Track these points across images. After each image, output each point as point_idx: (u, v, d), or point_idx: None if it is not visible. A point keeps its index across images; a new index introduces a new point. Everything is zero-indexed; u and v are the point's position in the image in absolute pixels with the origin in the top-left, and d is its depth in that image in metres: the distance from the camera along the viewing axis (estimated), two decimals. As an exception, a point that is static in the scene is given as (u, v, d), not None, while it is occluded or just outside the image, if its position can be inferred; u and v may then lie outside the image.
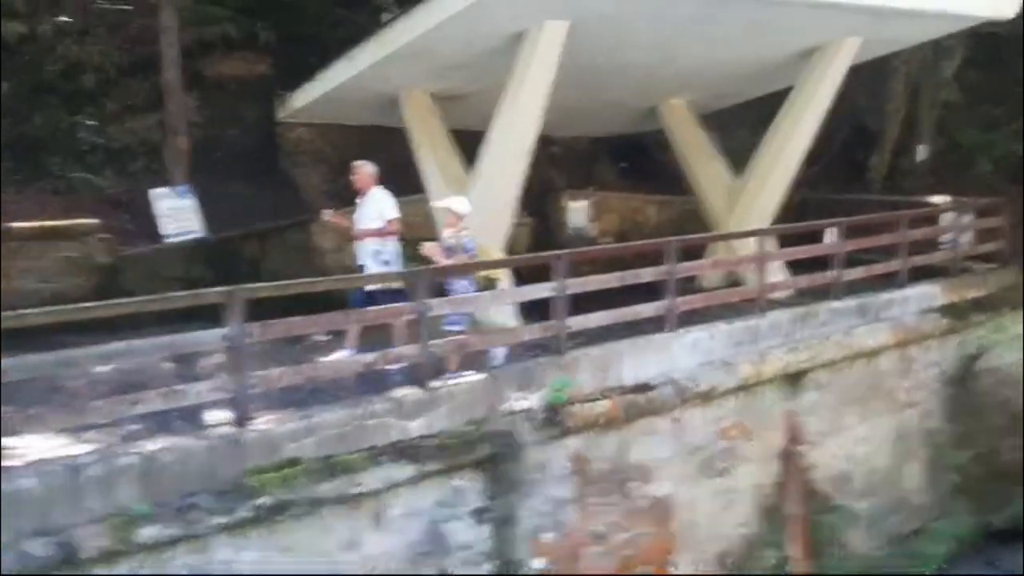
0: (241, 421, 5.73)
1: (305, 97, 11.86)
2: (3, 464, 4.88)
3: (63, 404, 5.37)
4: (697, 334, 8.36)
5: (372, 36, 10.18)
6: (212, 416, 6.03)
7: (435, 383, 6.65)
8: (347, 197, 12.85)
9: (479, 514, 6.76)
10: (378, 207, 8.11)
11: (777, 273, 10.67)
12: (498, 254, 10.19)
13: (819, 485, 9.42)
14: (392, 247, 8.05)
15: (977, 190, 14.26)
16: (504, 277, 8.12)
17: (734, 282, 11.21)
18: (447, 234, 7.64)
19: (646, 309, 8.08)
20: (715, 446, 8.45)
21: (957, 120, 17.06)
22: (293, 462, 5.84)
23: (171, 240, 10.65)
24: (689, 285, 9.78)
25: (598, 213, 14.01)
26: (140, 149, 11.99)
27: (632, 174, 15.69)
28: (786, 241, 10.38)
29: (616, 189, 14.98)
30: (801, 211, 13.65)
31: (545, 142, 14.36)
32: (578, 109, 12.73)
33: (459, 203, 7.79)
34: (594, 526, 7.49)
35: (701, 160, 12.78)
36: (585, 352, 7.60)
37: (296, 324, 6.03)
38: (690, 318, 8.59)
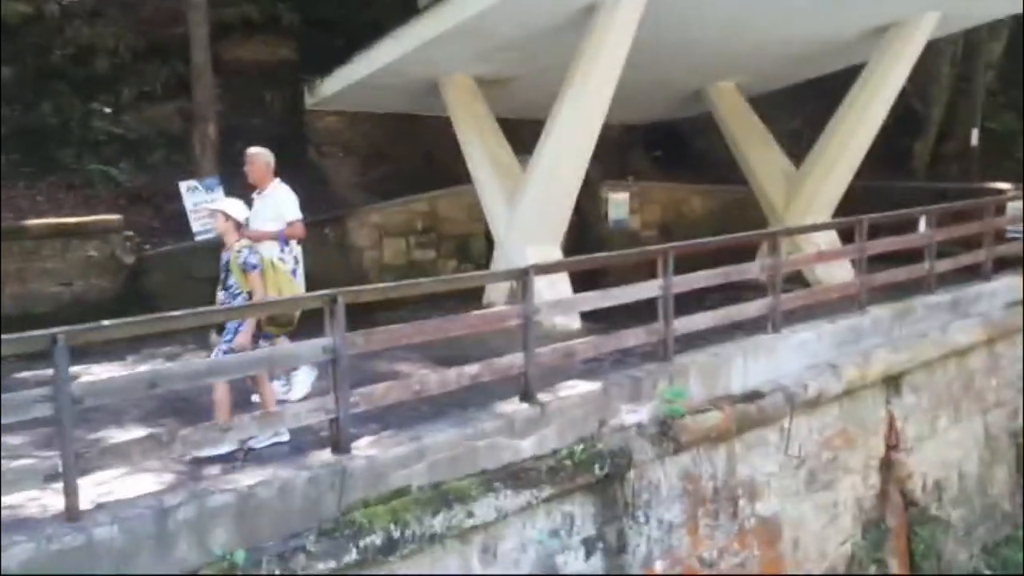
0: (343, 446, 4.91)
1: (338, 83, 10.98)
2: (76, 508, 4.03)
3: (147, 433, 4.50)
4: (804, 335, 7.63)
5: (422, 14, 9.33)
6: (306, 439, 5.24)
7: (544, 396, 5.87)
8: (381, 190, 12.10)
9: (590, 543, 6.00)
10: (276, 206, 6.44)
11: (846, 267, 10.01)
12: (556, 253, 9.43)
13: (916, 495, 8.75)
14: (293, 254, 6.54)
15: (1015, 177, 13.70)
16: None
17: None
18: (237, 247, 5.48)
19: (751, 308, 7.33)
20: (820, 457, 7.74)
21: (992, 105, 16.53)
22: (401, 492, 5.04)
23: (201, 237, 9.74)
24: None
25: (639, 205, 13.27)
26: (159, 139, 11.07)
27: (667, 163, 14.95)
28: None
29: (651, 179, 14.24)
30: (848, 200, 12.99)
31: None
32: (617, 93, 11.99)
33: (234, 206, 5.65)
34: (705, 551, 6.75)
35: (755, 147, 12.05)
36: (693, 358, 6.84)
37: (400, 332, 5.20)
38: (787, 318, 7.85)
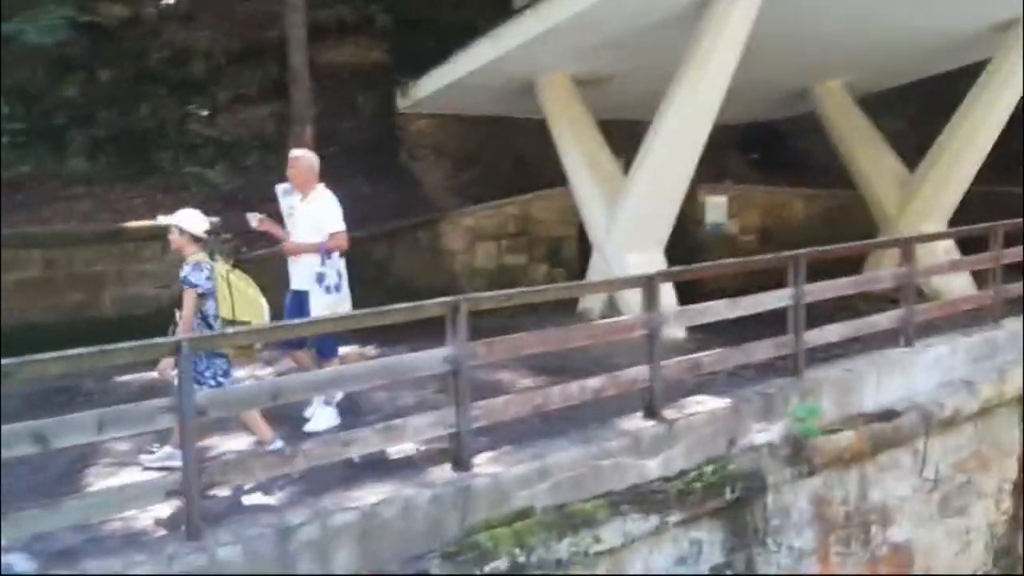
0: (464, 463, 4.62)
1: (431, 84, 10.74)
2: (197, 526, 3.81)
3: (269, 449, 4.26)
4: (938, 349, 7.10)
5: (523, 12, 9.02)
6: (421, 455, 4.96)
7: (669, 412, 5.48)
8: (472, 194, 11.85)
9: (718, 571, 5.59)
10: (318, 215, 5.86)
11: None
12: (658, 260, 9.03)
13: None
14: (336, 268, 5.87)
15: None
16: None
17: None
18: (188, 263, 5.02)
19: (882, 320, 6.82)
20: (954, 480, 7.18)
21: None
22: (525, 513, 4.72)
23: (297, 241, 9.58)
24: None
25: (738, 209, 12.74)
26: (253, 142, 11.00)
27: (764, 165, 14.37)
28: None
29: (748, 182, 13.68)
30: (964, 206, 12.27)
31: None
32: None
33: (189, 219, 5.13)
34: (835, 581, 6.28)
35: (865, 149, 11.45)
36: (825, 373, 6.37)
37: (522, 342, 4.89)
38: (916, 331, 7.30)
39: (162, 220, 5.43)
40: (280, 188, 9.85)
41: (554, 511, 4.81)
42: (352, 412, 5.83)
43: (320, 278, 5.74)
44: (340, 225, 5.92)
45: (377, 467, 4.79)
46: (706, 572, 5.52)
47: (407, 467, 4.87)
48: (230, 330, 3.84)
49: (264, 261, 9.57)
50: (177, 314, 4.99)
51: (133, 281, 8.82)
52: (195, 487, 3.78)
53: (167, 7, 11.38)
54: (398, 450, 4.97)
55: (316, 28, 11.52)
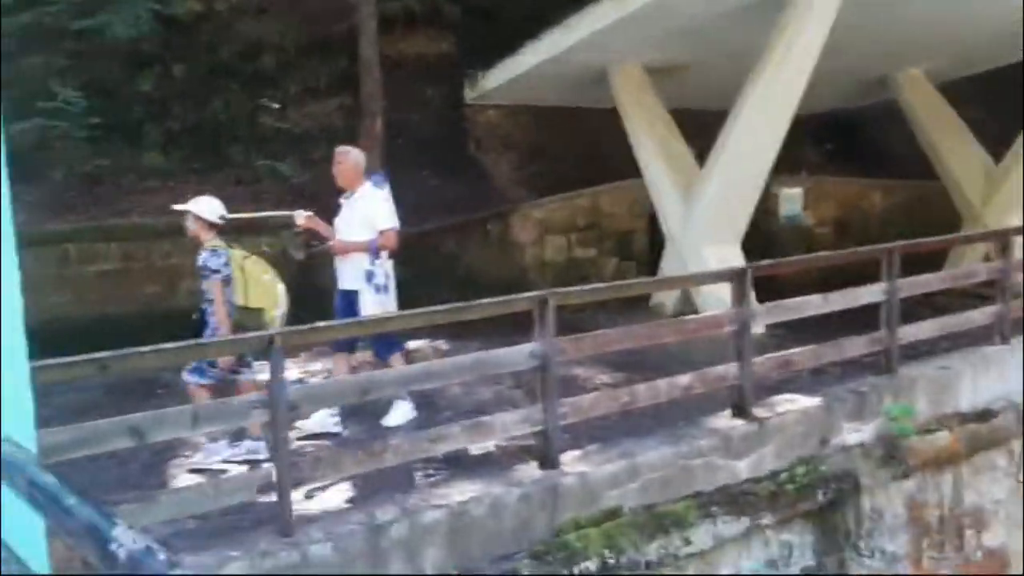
0: (552, 461, 4.51)
1: (501, 75, 10.65)
2: (289, 522, 3.76)
3: (358, 444, 4.21)
4: (1035, 347, 6.76)
5: (598, 1, 8.86)
6: (501, 452, 4.87)
7: (759, 411, 5.30)
8: (540, 186, 11.73)
9: (809, 575, 5.40)
10: (367, 212, 5.70)
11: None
12: (735, 254, 8.80)
13: None
14: (384, 268, 5.62)
15: None
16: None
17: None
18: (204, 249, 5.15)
19: (976, 316, 6.53)
20: (1051, 484, 6.84)
21: None
22: (613, 513, 4.60)
23: (368, 234, 9.57)
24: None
25: (813, 200, 12.40)
26: (322, 135, 11.01)
27: (839, 156, 13.97)
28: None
29: (823, 173, 13.31)
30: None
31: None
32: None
33: (204, 206, 5.25)
34: (928, 587, 6.03)
35: (949, 139, 11.06)
36: (920, 371, 6.11)
37: (610, 338, 4.76)
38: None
39: (177, 207, 5.46)
40: (355, 182, 9.93)
41: (643, 512, 4.68)
42: (429, 407, 5.78)
43: (369, 276, 5.52)
44: (391, 222, 5.74)
45: (458, 464, 4.71)
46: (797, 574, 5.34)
47: (488, 464, 4.78)
48: (321, 324, 3.78)
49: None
50: (205, 306, 5.02)
51: (208, 273, 8.88)
52: (287, 482, 3.73)
53: (240, 1, 11.45)
54: (479, 447, 4.87)
55: (384, 20, 11.47)
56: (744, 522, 4.93)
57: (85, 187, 9.77)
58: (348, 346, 5.58)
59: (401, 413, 5.40)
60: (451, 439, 4.24)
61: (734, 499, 4.99)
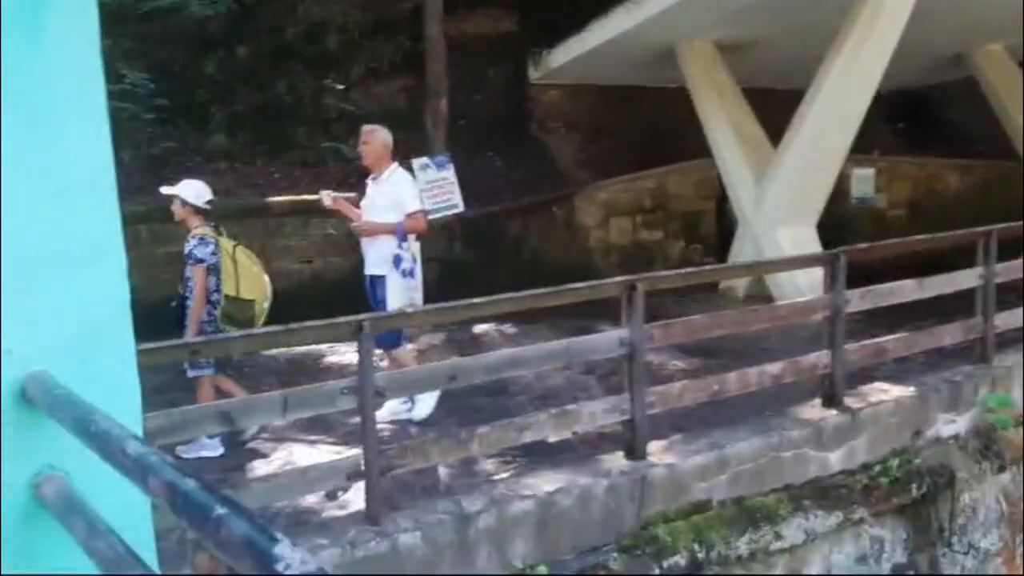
0: (639, 452, 4.37)
1: (567, 53, 10.46)
2: (378, 510, 3.69)
3: (445, 433, 4.12)
4: None
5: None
6: (580, 439, 4.74)
7: (851, 401, 5.10)
8: (604, 167, 11.54)
9: (899, 572, 5.20)
10: (395, 194, 5.41)
11: None
12: (811, 236, 8.54)
13: None
14: (412, 252, 5.35)
15: None
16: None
17: None
18: (192, 236, 4.96)
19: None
20: None
21: None
22: (702, 506, 4.45)
23: (433, 216, 9.48)
24: None
25: (886, 181, 12.01)
26: (385, 117, 10.91)
27: (911, 135, 13.52)
28: None
29: (896, 153, 12.89)
30: None
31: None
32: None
33: (190, 189, 5.08)
34: (1022, 586, 5.78)
35: (1033, 117, 10.58)
36: (1016, 360, 5.84)
37: (699, 324, 4.60)
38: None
39: (164, 191, 5.26)
40: (417, 163, 9.82)
41: (732, 505, 4.53)
42: (501, 392, 5.68)
43: (397, 261, 5.23)
44: (419, 204, 5.48)
45: (537, 452, 4.59)
46: (887, 572, 5.14)
47: (566, 451, 4.66)
48: (409, 310, 3.68)
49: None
50: (181, 288, 4.91)
51: (276, 256, 8.88)
52: (375, 469, 3.66)
53: (302, -18, 11.40)
54: (557, 434, 4.74)
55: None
56: (836, 516, 4.75)
57: (152, 169, 9.83)
58: (391, 343, 5.17)
59: (427, 404, 5.19)
60: (538, 428, 4.12)
61: (826, 492, 4.81)
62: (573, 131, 11.64)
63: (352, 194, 6.17)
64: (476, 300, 3.88)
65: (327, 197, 5.80)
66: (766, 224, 8.72)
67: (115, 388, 2.03)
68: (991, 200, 11.65)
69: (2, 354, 1.92)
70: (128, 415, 2.04)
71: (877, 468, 5.00)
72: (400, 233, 5.28)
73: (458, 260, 9.69)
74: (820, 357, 5.00)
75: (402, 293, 5.13)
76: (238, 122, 10.54)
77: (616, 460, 4.41)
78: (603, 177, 10.97)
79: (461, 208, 9.81)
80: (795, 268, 5.25)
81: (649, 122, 11.73)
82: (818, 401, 5.14)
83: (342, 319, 3.61)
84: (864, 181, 11.77)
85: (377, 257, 5.39)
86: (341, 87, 10.80)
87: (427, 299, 9.24)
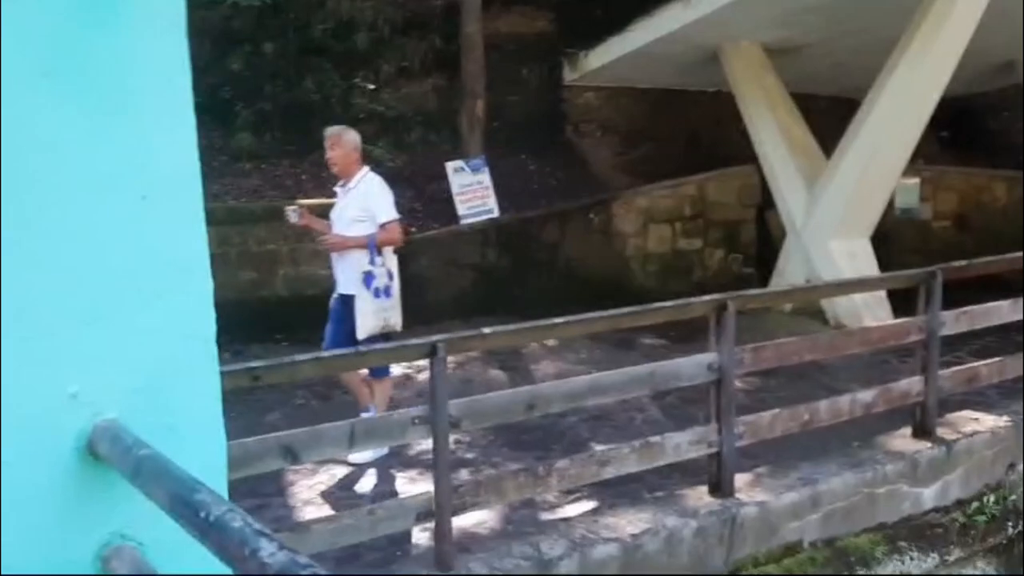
0: (726, 488, 3.98)
1: (607, 54, 10.08)
2: (449, 554, 3.30)
3: (522, 467, 3.74)
4: None
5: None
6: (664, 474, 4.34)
7: (945, 432, 4.70)
8: (642, 172, 11.16)
9: (992, 616, 4.79)
10: (366, 202, 4.80)
11: None
12: (866, 248, 8.16)
13: None
14: (387, 268, 4.73)
15: None
16: None
17: None
18: None
19: None
20: None
21: None
22: (793, 549, 4.06)
23: (467, 221, 9.12)
24: None
25: (931, 192, 11.60)
26: (415, 117, 10.58)
27: (956, 145, 13.10)
28: None
29: (940, 162, 12.48)
30: None
31: (850, 107, 12.12)
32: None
33: None
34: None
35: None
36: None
37: (792, 348, 4.21)
38: None
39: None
40: (451, 166, 9.47)
41: (824, 546, 4.14)
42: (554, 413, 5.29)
43: (368, 279, 4.61)
44: (393, 213, 4.78)
45: (605, 484, 4.19)
46: (980, 617, 4.74)
47: (632, 482, 4.26)
48: (487, 331, 3.30)
49: (435, 241, 9.16)
50: None
51: (305, 260, 8.53)
52: (446, 509, 3.28)
53: (331, -23, 11.04)
54: (639, 468, 4.35)
55: (479, -2, 11.01)
56: (933, 558, 4.36)
57: (177, 168, 9.47)
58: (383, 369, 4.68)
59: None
60: (620, 462, 3.73)
61: (920, 532, 4.41)
62: (609, 135, 11.25)
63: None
64: (556, 320, 3.50)
65: (293, 214, 5.16)
66: (818, 235, 8.33)
67: (199, 439, 1.65)
68: (1040, 213, 11.25)
69: (66, 400, 1.54)
70: (213, 472, 1.65)
71: (974, 505, 4.60)
72: (372, 247, 4.67)
73: (492, 267, 9.31)
74: (912, 384, 4.60)
75: (373, 315, 4.57)
76: (264, 121, 10.18)
77: (700, 497, 4.02)
78: (640, 182, 10.59)
79: (496, 214, 9.45)
80: (888, 287, 4.82)
81: (686, 126, 11.36)
82: (907, 431, 4.75)
83: (414, 341, 3.23)
84: (909, 191, 11.36)
85: (347, 275, 4.76)
86: (371, 87, 10.42)
87: (462, 309, 8.99)
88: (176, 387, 1.65)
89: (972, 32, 7.28)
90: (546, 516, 3.93)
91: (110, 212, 1.53)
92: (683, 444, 3.91)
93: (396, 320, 4.67)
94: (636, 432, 5.52)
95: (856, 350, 4.55)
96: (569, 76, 10.85)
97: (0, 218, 1.44)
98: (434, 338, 3.20)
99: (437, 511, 3.27)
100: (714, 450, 3.97)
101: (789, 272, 8.94)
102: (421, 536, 3.57)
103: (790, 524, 4.05)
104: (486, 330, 3.32)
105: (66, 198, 1.50)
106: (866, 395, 4.46)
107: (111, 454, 1.57)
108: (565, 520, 3.80)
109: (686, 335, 6.37)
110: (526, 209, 9.72)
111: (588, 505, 4.06)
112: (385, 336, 4.47)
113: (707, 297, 3.94)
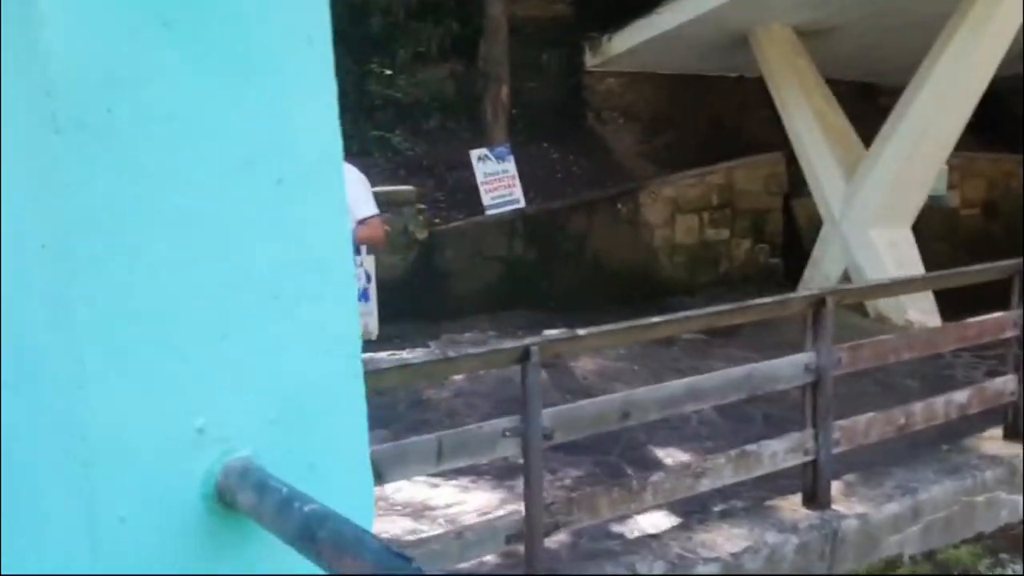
0: (822, 500, 3.68)
1: (632, 39, 9.73)
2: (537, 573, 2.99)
3: (613, 481, 3.41)
4: None
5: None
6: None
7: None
8: (666, 160, 10.84)
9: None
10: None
11: None
12: (908, 237, 7.87)
13: None
14: (365, 267, 4.36)
15: None
16: None
17: None
18: None
19: None
20: None
21: None
22: (893, 563, 3.76)
23: (493, 211, 8.78)
24: None
25: (959, 178, 11.31)
26: (432, 104, 10.23)
27: (981, 129, 12.80)
28: None
29: (963, 147, 12.17)
30: None
31: (871, 92, 11.82)
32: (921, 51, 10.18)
33: None
34: None
35: None
36: None
37: (888, 345, 3.90)
38: None
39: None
40: (475, 153, 9.12)
41: (924, 560, 3.84)
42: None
43: None
44: (373, 208, 4.32)
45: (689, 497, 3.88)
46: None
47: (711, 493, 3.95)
48: (582, 332, 2.98)
49: (460, 232, 8.83)
50: None
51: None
52: (540, 530, 2.96)
53: (342, -40, 10.65)
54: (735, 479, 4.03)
55: (497, -20, 10.64)
56: (1034, 570, 4.07)
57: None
58: None
59: None
60: (716, 473, 3.42)
61: (1019, 542, 4.12)
62: (632, 122, 10.91)
63: None
64: (654, 320, 3.18)
65: None
66: (858, 223, 8.03)
67: (344, 480, 1.30)
68: (1069, 200, 11.01)
69: (192, 436, 1.20)
70: (361, 514, 1.33)
71: (1073, 512, 4.31)
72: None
73: (518, 260, 8.98)
74: (1006, 383, 4.30)
75: None
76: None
77: (794, 508, 3.71)
78: (666, 171, 10.26)
79: (522, 203, 9.10)
80: (982, 279, 4.49)
81: (710, 113, 11.03)
82: (996, 432, 4.45)
83: (506, 345, 2.91)
84: (938, 178, 11.04)
85: None
86: (387, 72, 10.05)
87: (493, 302, 8.65)
88: (318, 416, 1.31)
89: (1026, 12, 6.96)
90: (629, 532, 3.61)
91: (241, 199, 1.18)
92: (780, 452, 3.59)
93: (373, 327, 4.21)
94: (693, 433, 5.24)
95: (952, 346, 4.25)
96: (591, 61, 10.50)
97: (106, 207, 1.10)
98: (527, 341, 2.88)
99: (528, 533, 2.96)
100: (810, 458, 3.66)
101: (826, 262, 8.65)
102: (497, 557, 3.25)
103: (891, 537, 3.75)
104: (581, 331, 2.99)
105: (190, 182, 1.15)
106: (960, 396, 4.17)
107: (242, 498, 1.22)
108: (654, 537, 3.48)
109: (719, 329, 6.13)
110: (551, 199, 9.39)
111: (673, 519, 3.74)
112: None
113: (804, 292, 3.64)
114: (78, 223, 1.09)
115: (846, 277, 8.42)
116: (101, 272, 1.13)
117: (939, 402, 4.10)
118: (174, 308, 1.16)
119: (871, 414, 3.89)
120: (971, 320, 4.16)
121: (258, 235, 1.20)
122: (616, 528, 3.73)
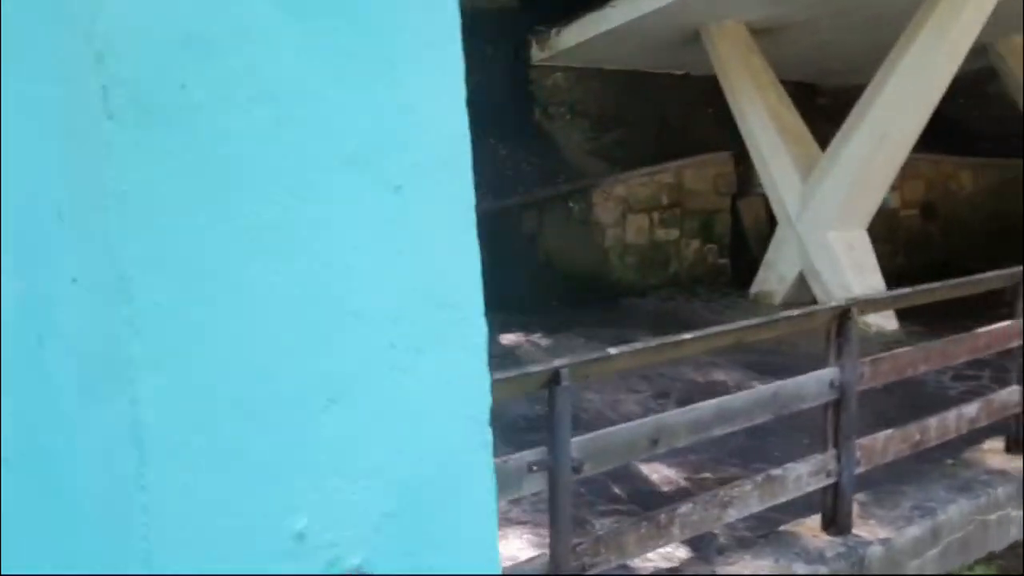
0: (842, 524, 3.44)
1: (581, 33, 9.46)
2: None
3: (641, 515, 3.08)
4: None
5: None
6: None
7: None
8: (616, 158, 10.61)
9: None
10: None
11: None
12: (863, 240, 7.83)
13: None
14: None
15: None
16: None
17: None
18: None
19: None
20: None
21: None
22: (914, 589, 3.55)
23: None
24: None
25: (899, 180, 11.39)
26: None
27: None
28: None
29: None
30: None
31: (810, 92, 11.85)
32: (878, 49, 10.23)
33: None
34: None
35: (1064, 115, 10.10)
36: None
37: (908, 359, 3.69)
38: None
39: None
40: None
41: (943, 583, 3.65)
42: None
43: None
44: None
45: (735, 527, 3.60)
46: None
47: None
48: (613, 351, 2.66)
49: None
50: None
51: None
52: (565, 571, 2.62)
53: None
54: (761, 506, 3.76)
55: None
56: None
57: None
58: None
59: None
60: (742, 501, 3.14)
61: (1028, 560, 3.98)
62: (580, 118, 10.65)
63: None
64: (685, 336, 2.88)
65: None
66: (814, 225, 7.94)
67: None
68: (1004, 201, 11.23)
69: (289, 544, 0.87)
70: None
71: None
72: None
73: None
74: (1011, 394, 4.16)
75: None
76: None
77: (815, 534, 3.47)
78: (615, 169, 10.04)
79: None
80: (984, 288, 4.35)
81: (658, 111, 10.86)
82: (998, 445, 4.31)
83: (534, 368, 2.56)
84: (880, 179, 11.14)
85: None
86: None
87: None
88: (442, 504, 0.97)
89: (988, 15, 6.94)
90: (648, 562, 3.30)
91: (350, 209, 0.86)
92: (804, 476, 3.34)
93: None
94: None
95: (965, 357, 4.08)
96: (537, 56, 10.19)
97: (175, 228, 0.77)
98: (555, 363, 2.53)
99: (552, 571, 2.62)
100: (832, 480, 3.42)
101: (781, 264, 8.55)
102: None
103: (912, 562, 3.54)
104: (612, 350, 2.66)
105: (288, 188, 0.82)
106: (970, 409, 4.00)
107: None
108: (676, 571, 3.18)
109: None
110: (501, 197, 9.04)
111: (685, 550, 3.45)
112: None
113: (830, 304, 3.38)
114: (139, 255, 0.75)
115: (801, 280, 8.34)
116: (165, 320, 0.77)
117: (951, 416, 3.92)
118: (261, 365, 0.82)
119: (889, 431, 3.68)
120: (980, 330, 4.00)
121: (370, 258, 0.87)
122: (620, 555, 3.43)
